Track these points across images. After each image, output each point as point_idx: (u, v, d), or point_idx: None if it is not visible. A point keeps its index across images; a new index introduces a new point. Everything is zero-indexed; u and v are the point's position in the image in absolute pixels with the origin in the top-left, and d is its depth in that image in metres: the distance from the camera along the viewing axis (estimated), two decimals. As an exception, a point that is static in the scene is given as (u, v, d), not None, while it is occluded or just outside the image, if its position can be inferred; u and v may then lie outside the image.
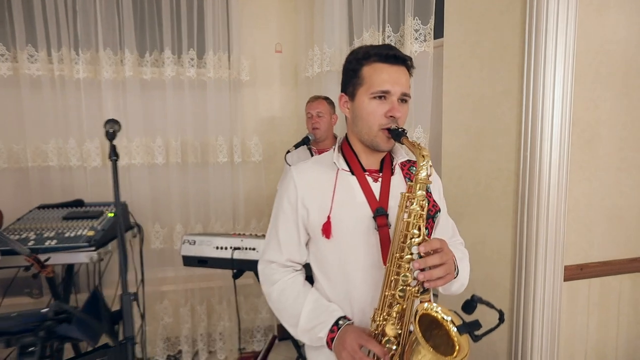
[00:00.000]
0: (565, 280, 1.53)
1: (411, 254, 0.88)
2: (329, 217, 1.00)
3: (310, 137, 2.19)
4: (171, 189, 2.53)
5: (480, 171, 1.73)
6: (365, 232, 0.99)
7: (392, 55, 0.98)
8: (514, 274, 1.60)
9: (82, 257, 1.86)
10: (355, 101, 1.02)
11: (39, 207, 2.23)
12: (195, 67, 2.49)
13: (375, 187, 1.03)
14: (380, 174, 1.05)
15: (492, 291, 1.70)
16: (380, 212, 0.98)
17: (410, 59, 1.03)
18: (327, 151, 2.30)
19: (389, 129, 0.96)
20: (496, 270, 1.68)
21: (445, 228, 1.14)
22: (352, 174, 1.04)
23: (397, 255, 0.90)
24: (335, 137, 2.37)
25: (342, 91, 1.07)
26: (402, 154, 1.09)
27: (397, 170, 1.07)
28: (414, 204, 0.89)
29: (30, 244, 1.87)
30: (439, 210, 1.09)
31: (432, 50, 1.88)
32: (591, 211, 1.56)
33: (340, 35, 2.34)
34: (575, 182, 1.52)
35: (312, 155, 2.14)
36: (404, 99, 0.99)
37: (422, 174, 0.89)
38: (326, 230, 1.00)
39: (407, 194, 0.91)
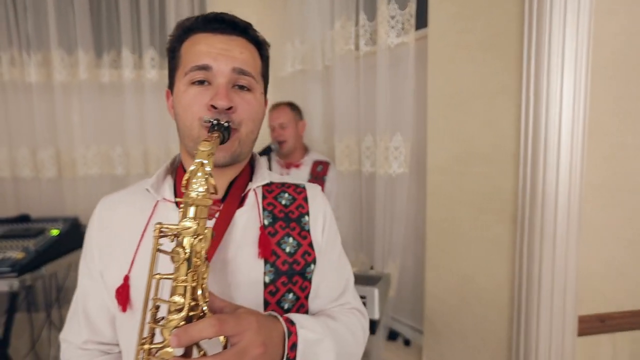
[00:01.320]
0: (580, 334, 1.18)
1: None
2: (125, 278, 0.67)
3: (272, 147, 1.89)
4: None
5: (471, 189, 1.40)
6: None
7: (217, 19, 0.69)
8: (512, 322, 1.26)
9: (1, 285, 1.62)
10: (174, 94, 0.71)
11: (-20, 224, 2.02)
12: (157, 68, 2.24)
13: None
14: (220, 207, 0.71)
15: (483, 342, 1.35)
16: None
17: (251, 27, 0.71)
18: (297, 165, 2.04)
19: (211, 125, 0.63)
20: (489, 315, 1.33)
21: (330, 286, 0.77)
22: (177, 206, 0.71)
23: (146, 348, 0.52)
24: (305, 147, 2.06)
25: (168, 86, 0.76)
26: (264, 174, 0.77)
27: (252, 198, 0.74)
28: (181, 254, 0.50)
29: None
30: (313, 262, 0.74)
31: (413, 41, 1.56)
32: (613, 243, 1.20)
33: (312, 28, 2.04)
34: (591, 205, 1.17)
35: (270, 169, 1.84)
36: (241, 84, 0.68)
37: (192, 193, 0.51)
38: (121, 297, 0.66)
39: (158, 231, 0.52)
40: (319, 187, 0.83)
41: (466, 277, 1.41)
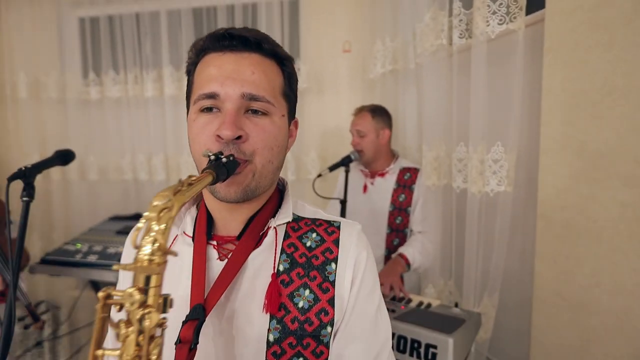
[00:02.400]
0: None
1: None
2: None
3: (352, 156, 1.74)
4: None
5: (604, 219, 1.04)
6: (173, 346, 0.55)
7: (226, 36, 0.60)
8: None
9: (109, 276, 1.84)
10: (187, 122, 0.64)
11: (110, 219, 2.36)
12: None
13: (218, 268, 0.61)
14: (235, 245, 0.63)
15: None
16: (194, 315, 0.56)
17: (267, 39, 0.61)
18: (382, 174, 1.85)
19: (208, 161, 0.54)
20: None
21: (359, 354, 0.62)
22: (193, 241, 0.65)
23: None
24: (393, 154, 1.86)
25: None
26: (289, 210, 0.67)
27: (270, 238, 0.64)
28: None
29: (77, 256, 1.94)
30: (330, 323, 0.60)
31: (522, 28, 1.23)
32: None
33: (403, 23, 1.82)
34: None
35: (346, 180, 1.69)
36: (254, 107, 0.59)
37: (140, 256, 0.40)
38: None
39: (103, 300, 0.42)
40: (357, 226, 0.68)
41: (588, 331, 1.06)
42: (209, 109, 0.59)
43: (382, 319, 0.66)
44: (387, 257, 1.75)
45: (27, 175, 0.97)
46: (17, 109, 2.57)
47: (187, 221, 0.67)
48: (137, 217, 2.32)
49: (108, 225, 2.25)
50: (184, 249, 0.64)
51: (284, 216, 0.65)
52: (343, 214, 1.61)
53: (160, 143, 2.45)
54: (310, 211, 0.69)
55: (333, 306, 0.60)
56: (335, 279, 0.61)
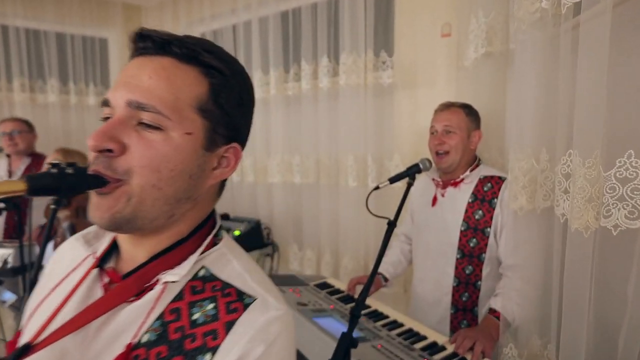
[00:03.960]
0: None
1: None
2: (17, 334, 0.57)
3: (421, 166, 1.39)
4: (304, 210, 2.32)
5: None
6: None
7: (138, 37, 0.52)
8: None
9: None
10: None
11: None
12: (329, 76, 2.15)
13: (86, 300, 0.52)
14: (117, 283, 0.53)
15: None
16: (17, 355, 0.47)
17: (180, 40, 0.51)
18: (455, 182, 1.44)
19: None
20: None
21: None
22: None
23: None
24: (475, 158, 1.44)
25: None
26: (188, 265, 0.52)
27: (153, 294, 0.51)
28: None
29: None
30: None
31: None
32: None
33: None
34: None
35: (406, 193, 1.35)
36: (143, 119, 0.49)
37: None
38: (8, 350, 0.51)
39: None
40: (278, 313, 0.50)
41: None
42: (106, 119, 0.51)
43: None
44: (456, 289, 1.37)
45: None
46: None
47: (103, 243, 0.58)
48: (225, 217, 2.45)
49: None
50: (79, 272, 0.56)
51: (177, 271, 0.51)
52: (387, 237, 1.31)
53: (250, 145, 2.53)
54: (235, 272, 0.53)
55: None
56: None
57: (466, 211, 1.38)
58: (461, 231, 1.37)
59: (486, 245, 1.33)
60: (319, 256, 2.30)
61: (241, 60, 2.49)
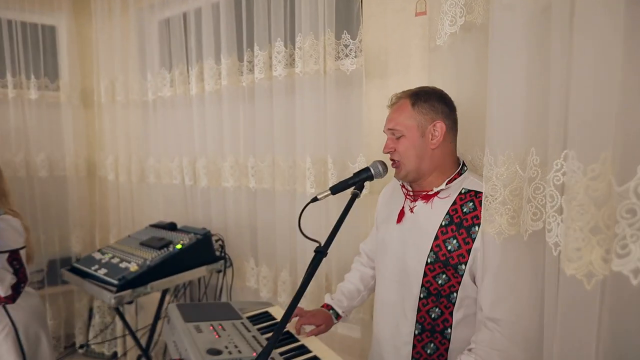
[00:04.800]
0: None
1: None
2: None
3: (372, 171, 1.07)
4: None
5: None
6: None
7: None
8: None
9: (105, 296, 1.64)
10: None
11: (151, 226, 2.24)
12: (287, 64, 1.82)
13: None
14: None
15: None
16: None
17: None
18: (426, 196, 1.11)
19: None
20: None
21: None
22: None
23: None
24: (457, 162, 1.11)
25: None
26: None
27: None
28: None
29: (93, 267, 1.82)
30: None
31: None
32: None
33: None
34: None
35: (346, 210, 1.02)
36: None
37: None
38: None
39: None
40: None
41: None
42: None
43: None
44: (419, 337, 1.04)
45: None
46: (101, 112, 2.74)
47: None
48: (172, 226, 2.13)
49: (143, 234, 2.12)
50: None
51: None
52: (314, 267, 0.98)
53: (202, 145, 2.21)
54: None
55: None
56: None
57: (436, 237, 1.04)
58: (427, 263, 1.04)
59: (459, 283, 1.00)
60: (276, 274, 1.97)
61: (191, 50, 2.19)
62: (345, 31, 1.70)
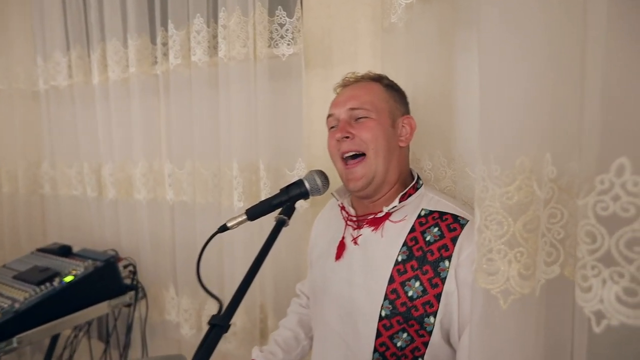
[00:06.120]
0: None
1: None
2: None
3: (308, 186, 0.76)
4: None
5: None
6: None
7: None
8: None
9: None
10: None
11: (38, 250, 1.77)
12: (209, 46, 1.46)
13: None
14: None
15: None
16: None
17: None
18: (376, 222, 0.75)
19: None
20: None
21: None
22: None
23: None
24: (410, 176, 0.83)
25: None
26: None
27: None
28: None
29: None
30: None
31: None
32: None
33: None
34: None
35: (270, 241, 0.72)
36: None
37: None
38: None
39: None
40: None
41: None
42: None
43: None
44: None
45: None
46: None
47: None
48: (65, 251, 1.67)
49: (23, 263, 1.65)
50: None
51: None
52: (211, 342, 0.65)
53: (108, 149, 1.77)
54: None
55: None
56: None
57: (392, 279, 0.75)
58: (381, 318, 0.74)
59: (426, 344, 0.72)
60: (200, 306, 1.60)
61: (92, 27, 1.75)
62: (280, 7, 1.38)
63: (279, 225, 0.72)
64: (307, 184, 0.78)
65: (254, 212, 0.75)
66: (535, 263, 0.53)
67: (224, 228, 0.76)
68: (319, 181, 0.79)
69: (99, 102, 1.77)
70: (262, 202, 0.77)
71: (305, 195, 0.78)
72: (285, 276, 1.45)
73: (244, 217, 0.76)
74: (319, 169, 0.84)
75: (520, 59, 0.54)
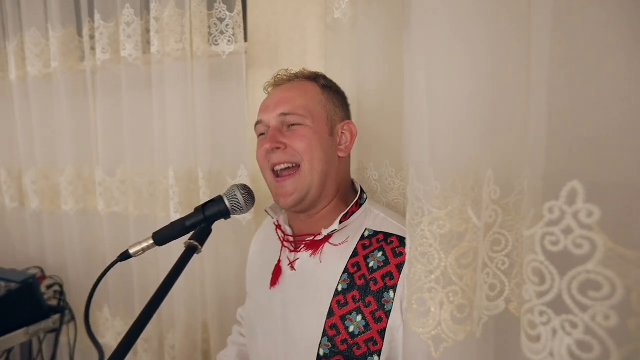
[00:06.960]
0: None
1: None
2: None
3: (229, 205, 0.66)
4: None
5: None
6: None
7: None
8: None
9: None
10: None
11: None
12: (140, 41, 1.31)
13: None
14: None
15: None
16: None
17: None
18: (315, 245, 0.61)
19: None
20: None
21: None
22: None
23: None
24: (353, 190, 0.75)
25: None
26: None
27: None
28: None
29: None
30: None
31: None
32: None
33: None
34: None
35: (177, 270, 0.61)
36: None
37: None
38: None
39: None
40: None
41: None
42: None
43: None
44: None
45: None
46: None
47: None
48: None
49: None
50: None
51: None
52: None
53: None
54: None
55: None
56: None
57: (331, 312, 0.66)
58: (319, 358, 0.65)
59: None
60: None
61: (7, 15, 1.53)
62: (219, 0, 1.26)
63: (189, 252, 0.61)
64: (227, 202, 0.67)
65: (162, 237, 0.64)
66: (473, 303, 0.46)
67: (126, 256, 0.64)
68: (240, 198, 0.68)
69: (17, 100, 1.57)
70: (173, 224, 0.66)
71: (225, 214, 0.67)
72: (229, 292, 1.33)
73: (151, 241, 0.64)
74: (244, 183, 0.73)
75: (458, 54, 0.46)
